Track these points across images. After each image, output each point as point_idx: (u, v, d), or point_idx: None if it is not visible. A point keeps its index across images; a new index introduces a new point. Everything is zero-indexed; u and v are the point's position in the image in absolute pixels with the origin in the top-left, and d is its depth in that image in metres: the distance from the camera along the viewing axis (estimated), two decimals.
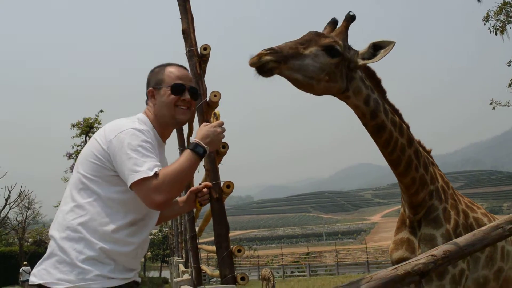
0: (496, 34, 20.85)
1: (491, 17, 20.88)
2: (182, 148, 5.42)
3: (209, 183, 2.60)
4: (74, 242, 2.29)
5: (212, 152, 2.66)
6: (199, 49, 2.79)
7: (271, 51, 2.53)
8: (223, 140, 2.49)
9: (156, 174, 2.19)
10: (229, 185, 2.58)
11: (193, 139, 2.41)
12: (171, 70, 2.55)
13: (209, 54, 2.76)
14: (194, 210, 5.96)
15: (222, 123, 2.51)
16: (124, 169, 2.24)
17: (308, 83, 2.68)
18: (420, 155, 3.33)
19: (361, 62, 2.84)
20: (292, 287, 23.31)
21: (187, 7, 2.86)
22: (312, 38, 2.71)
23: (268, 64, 2.52)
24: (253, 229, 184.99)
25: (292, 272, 40.56)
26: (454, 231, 3.38)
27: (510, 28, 20.79)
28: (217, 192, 2.56)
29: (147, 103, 2.57)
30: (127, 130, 2.31)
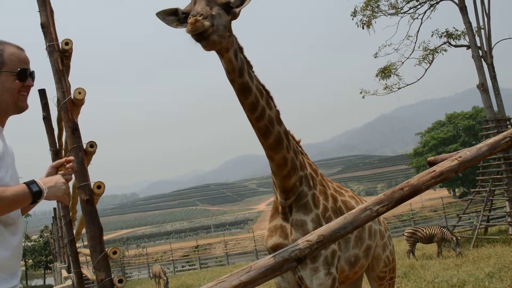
0: (363, 28, 22.13)
1: (358, 12, 22.13)
2: (53, 149, 5.12)
3: (71, 158, 2.44)
4: None
5: (80, 151, 2.52)
6: (60, 44, 2.62)
7: (202, 16, 2.59)
8: (90, 140, 2.37)
9: None
10: (100, 185, 2.47)
11: (38, 179, 2.22)
12: (12, 52, 2.33)
13: (71, 49, 2.60)
14: (70, 213, 5.68)
15: (70, 173, 2.37)
16: None
17: (220, 42, 2.76)
18: (290, 139, 3.48)
19: (237, 9, 2.93)
20: (184, 282, 23.17)
21: None
22: None
23: (208, 30, 2.60)
24: (141, 227, 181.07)
25: (182, 267, 40.39)
26: (324, 215, 3.55)
27: (375, 22, 22.19)
28: (87, 194, 2.43)
29: None
30: None
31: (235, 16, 2.95)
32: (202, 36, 2.63)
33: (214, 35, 2.69)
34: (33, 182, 2.16)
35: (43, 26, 2.65)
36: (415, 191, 2.63)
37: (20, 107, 2.36)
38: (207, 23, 2.60)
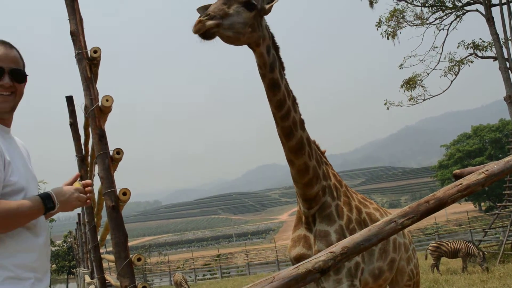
0: (388, 39, 22.01)
1: (383, 23, 22.03)
2: (79, 155, 5.19)
3: (89, 181, 2.46)
4: None
5: (107, 158, 2.55)
6: (89, 52, 2.67)
7: (208, 16, 2.82)
8: (116, 147, 2.39)
9: None
10: (125, 192, 2.49)
11: (50, 190, 2.23)
12: None
13: (99, 57, 2.64)
14: (95, 219, 5.74)
15: (81, 190, 2.34)
16: None
17: (237, 38, 2.99)
18: (313, 148, 3.51)
19: (268, 6, 3.15)
20: None
21: (75, 7, 2.73)
22: None
23: (211, 29, 2.83)
24: (163, 234, 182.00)
25: (204, 275, 40.42)
26: (347, 227, 3.53)
27: (400, 33, 22.06)
28: (113, 201, 2.46)
29: None
30: None
31: (265, 11, 3.14)
32: (205, 35, 2.86)
33: (228, 31, 2.90)
34: (48, 196, 2.18)
35: (72, 34, 2.70)
36: (441, 204, 2.59)
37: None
38: (210, 22, 2.81)
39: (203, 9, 3.24)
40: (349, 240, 2.66)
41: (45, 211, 2.18)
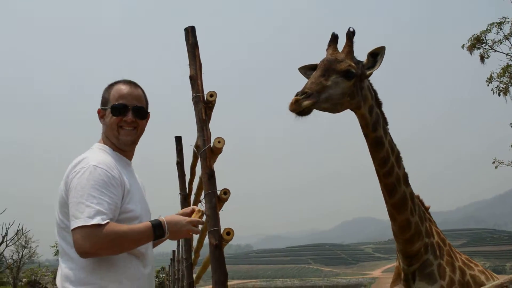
0: (499, 95, 21.08)
1: (495, 79, 21.17)
2: (183, 193, 5.39)
3: (202, 221, 2.57)
4: None
5: (214, 197, 2.64)
6: (205, 96, 2.82)
7: (305, 94, 2.79)
8: (224, 187, 2.47)
9: (98, 225, 2.07)
10: (229, 232, 2.55)
11: (163, 217, 2.33)
12: (116, 88, 2.49)
13: (215, 100, 2.78)
14: (193, 256, 5.88)
15: (201, 223, 2.48)
16: (70, 213, 2.16)
17: (335, 108, 2.99)
18: (416, 203, 3.39)
19: (369, 72, 3.12)
20: None
21: (196, 53, 2.91)
22: (329, 67, 2.96)
23: (308, 109, 2.80)
24: (252, 279, 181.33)
25: None
26: None
27: None
28: (217, 239, 2.53)
29: None
30: (79, 169, 2.22)
31: (365, 76, 3.11)
32: (301, 113, 2.83)
33: (324, 104, 2.86)
34: (159, 224, 2.27)
35: (191, 78, 2.86)
36: None
37: (122, 141, 2.47)
38: (306, 102, 2.76)
39: (304, 70, 3.31)
40: None
41: (154, 238, 2.28)
